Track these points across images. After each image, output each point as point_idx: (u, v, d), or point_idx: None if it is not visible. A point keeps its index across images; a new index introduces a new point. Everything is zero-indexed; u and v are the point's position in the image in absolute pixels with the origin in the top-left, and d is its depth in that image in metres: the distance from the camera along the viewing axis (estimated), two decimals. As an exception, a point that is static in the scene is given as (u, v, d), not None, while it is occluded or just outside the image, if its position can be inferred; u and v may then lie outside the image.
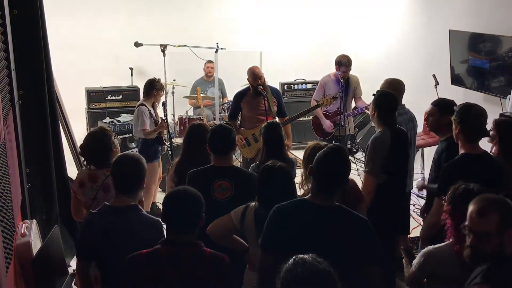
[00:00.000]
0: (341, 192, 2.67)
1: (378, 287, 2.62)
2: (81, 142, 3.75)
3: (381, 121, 3.93)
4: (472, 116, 3.39)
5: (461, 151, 3.43)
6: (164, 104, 6.06)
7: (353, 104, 6.43)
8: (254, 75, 5.67)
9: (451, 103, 3.88)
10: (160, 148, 5.79)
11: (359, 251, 2.50)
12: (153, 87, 5.78)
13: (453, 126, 3.45)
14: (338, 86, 6.18)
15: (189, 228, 2.50)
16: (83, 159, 3.68)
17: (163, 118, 5.76)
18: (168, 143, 6.33)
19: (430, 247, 2.74)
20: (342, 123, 6.08)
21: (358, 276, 2.48)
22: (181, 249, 2.45)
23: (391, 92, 4.07)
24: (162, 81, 7.56)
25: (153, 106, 5.87)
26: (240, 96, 5.84)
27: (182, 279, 2.41)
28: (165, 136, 5.88)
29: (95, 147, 3.55)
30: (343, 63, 6.09)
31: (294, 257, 1.95)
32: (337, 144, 2.84)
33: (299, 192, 3.32)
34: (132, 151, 6.61)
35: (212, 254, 2.51)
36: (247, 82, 5.92)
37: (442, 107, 3.85)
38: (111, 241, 2.72)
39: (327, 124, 6.32)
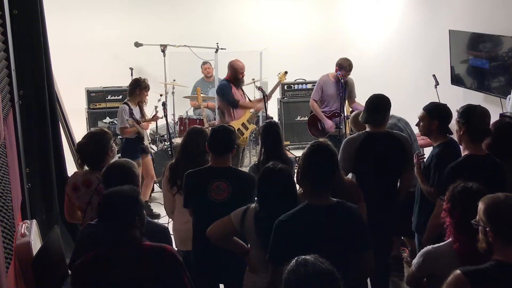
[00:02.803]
0: (341, 191, 2.70)
1: (373, 271, 2.76)
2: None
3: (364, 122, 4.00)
4: (477, 116, 3.39)
5: (465, 153, 3.43)
6: (164, 104, 6.06)
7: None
8: (242, 69, 6.05)
9: (441, 107, 3.84)
10: (139, 148, 5.78)
11: (357, 239, 2.63)
12: (137, 86, 5.78)
13: (457, 128, 3.45)
14: (336, 86, 6.21)
15: (126, 227, 2.43)
16: (78, 157, 3.64)
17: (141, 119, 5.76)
18: (168, 143, 6.34)
19: (429, 247, 2.74)
20: (340, 124, 6.12)
21: (356, 264, 2.59)
22: (119, 248, 2.41)
23: (379, 94, 4.05)
24: (162, 81, 7.59)
25: (140, 106, 5.85)
26: (230, 88, 6.05)
27: (127, 278, 2.38)
28: (157, 136, 5.85)
29: (93, 148, 3.52)
30: (344, 66, 6.10)
31: (296, 258, 1.96)
32: (316, 141, 2.87)
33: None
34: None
35: (151, 247, 2.47)
36: (247, 82, 5.99)
37: (431, 112, 3.77)
38: None
39: (329, 124, 6.31)
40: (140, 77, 5.91)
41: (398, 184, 4.00)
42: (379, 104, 3.92)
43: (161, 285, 2.42)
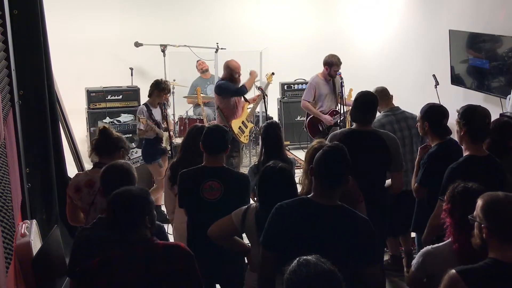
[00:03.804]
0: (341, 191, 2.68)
1: (381, 286, 2.63)
2: (81, 141, 3.75)
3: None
4: (478, 117, 3.39)
5: (465, 153, 3.43)
6: (164, 104, 6.05)
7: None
8: (238, 68, 6.05)
9: (432, 109, 3.83)
10: (158, 149, 5.77)
11: (360, 251, 2.51)
12: (155, 88, 5.79)
13: (457, 128, 3.45)
14: (327, 86, 6.24)
15: (136, 227, 2.43)
16: (95, 138, 3.65)
17: (151, 122, 5.72)
18: (168, 143, 6.34)
19: (429, 247, 2.75)
20: (339, 122, 6.12)
21: (360, 276, 2.50)
22: (132, 248, 2.40)
23: (367, 92, 4.04)
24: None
25: (161, 107, 5.83)
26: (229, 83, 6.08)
27: (141, 278, 2.37)
28: (165, 135, 5.82)
29: (117, 136, 3.60)
30: (334, 62, 6.10)
31: (298, 258, 1.95)
32: (335, 142, 2.85)
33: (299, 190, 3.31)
34: (133, 152, 6.62)
35: (165, 245, 2.48)
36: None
37: (423, 113, 3.82)
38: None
39: (327, 119, 6.30)
40: (161, 79, 5.92)
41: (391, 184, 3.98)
42: (365, 103, 3.89)
43: (177, 283, 2.42)
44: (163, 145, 5.82)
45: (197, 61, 8.35)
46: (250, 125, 6.41)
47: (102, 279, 2.38)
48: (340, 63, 6.13)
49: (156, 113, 5.79)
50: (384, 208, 3.91)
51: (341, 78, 6.09)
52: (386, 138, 3.86)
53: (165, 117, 5.82)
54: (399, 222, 4.31)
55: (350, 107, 6.19)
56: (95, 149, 3.63)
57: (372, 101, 3.93)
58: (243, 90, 6.09)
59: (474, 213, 2.34)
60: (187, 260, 2.47)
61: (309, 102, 6.33)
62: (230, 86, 6.04)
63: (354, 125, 3.97)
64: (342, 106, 6.06)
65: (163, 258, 2.42)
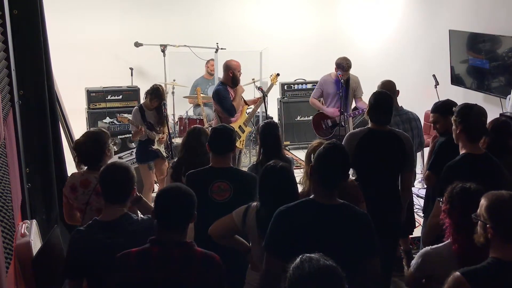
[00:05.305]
0: (341, 192, 2.69)
1: (379, 279, 2.66)
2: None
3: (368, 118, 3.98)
4: (474, 115, 3.40)
5: (462, 152, 3.43)
6: (164, 104, 6.03)
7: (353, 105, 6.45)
8: (239, 67, 5.85)
9: (447, 103, 3.95)
10: (150, 151, 5.71)
11: (362, 245, 2.55)
12: (146, 92, 5.72)
13: (454, 127, 3.47)
14: (336, 86, 6.21)
15: (180, 227, 2.46)
16: (75, 155, 3.63)
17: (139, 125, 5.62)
18: (168, 143, 6.32)
19: (428, 248, 2.75)
20: (343, 123, 6.09)
21: (361, 270, 2.53)
22: (172, 249, 2.41)
23: (384, 91, 4.08)
24: (162, 81, 7.58)
25: (157, 110, 5.70)
26: (227, 93, 5.84)
27: (173, 279, 2.37)
28: (156, 138, 5.75)
29: (90, 146, 3.49)
30: (342, 66, 6.10)
31: (301, 255, 1.97)
32: (334, 140, 2.86)
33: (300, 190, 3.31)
34: (132, 152, 6.62)
35: (203, 254, 2.47)
36: (247, 82, 5.91)
37: (442, 110, 3.91)
38: (108, 256, 2.54)
39: (330, 111, 6.30)
40: (155, 85, 5.77)
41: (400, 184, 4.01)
42: (380, 103, 3.92)
43: None
44: (154, 147, 5.76)
45: (208, 61, 8.26)
46: (247, 129, 6.22)
47: (136, 271, 2.38)
48: (348, 68, 6.10)
49: (149, 115, 5.74)
50: (398, 207, 3.94)
51: (341, 78, 6.08)
52: (403, 138, 3.92)
53: (162, 119, 5.72)
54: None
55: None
56: (82, 163, 3.58)
57: (387, 101, 3.95)
58: (232, 113, 5.87)
59: (478, 211, 2.34)
60: (219, 274, 2.47)
61: (316, 99, 6.37)
62: (226, 102, 5.81)
63: (370, 124, 3.98)
64: (341, 106, 6.05)
65: (199, 266, 2.42)
